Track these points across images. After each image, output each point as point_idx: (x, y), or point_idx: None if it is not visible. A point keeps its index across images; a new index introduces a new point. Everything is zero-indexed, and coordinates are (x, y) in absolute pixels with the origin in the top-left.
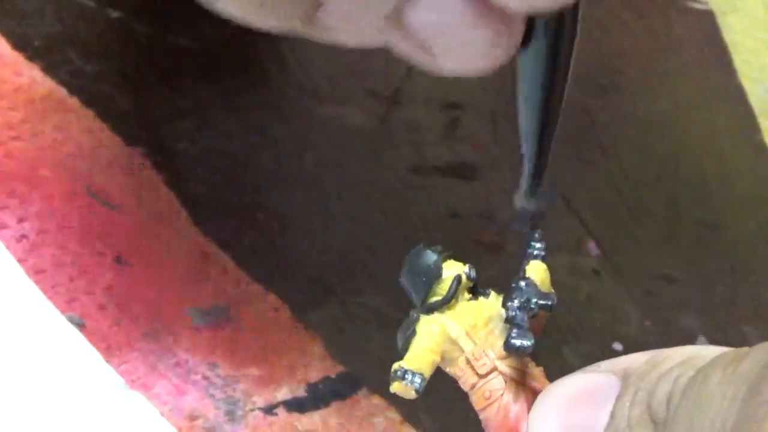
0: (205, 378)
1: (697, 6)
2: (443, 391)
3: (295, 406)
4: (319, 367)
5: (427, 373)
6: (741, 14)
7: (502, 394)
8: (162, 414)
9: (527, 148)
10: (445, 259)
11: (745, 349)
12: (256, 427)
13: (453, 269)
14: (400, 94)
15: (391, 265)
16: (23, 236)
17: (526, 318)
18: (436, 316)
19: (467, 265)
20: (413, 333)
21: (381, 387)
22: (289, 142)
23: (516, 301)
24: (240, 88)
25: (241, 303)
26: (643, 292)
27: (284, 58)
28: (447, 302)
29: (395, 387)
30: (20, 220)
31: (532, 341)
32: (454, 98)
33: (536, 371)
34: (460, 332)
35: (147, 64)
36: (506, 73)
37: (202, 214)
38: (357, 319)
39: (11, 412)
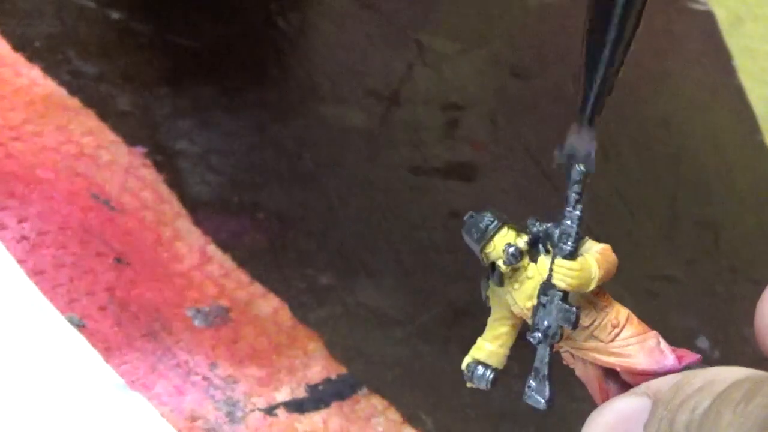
0: (205, 379)
1: (697, 6)
2: (443, 391)
3: (296, 406)
4: (319, 368)
5: (498, 358)
6: (760, 21)
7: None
8: (162, 415)
9: (587, 75)
10: (498, 229)
11: (759, 377)
12: (257, 428)
13: (498, 246)
14: (400, 94)
15: (391, 266)
16: (23, 237)
17: (546, 355)
18: (501, 290)
19: (510, 247)
20: (487, 299)
21: (381, 387)
22: (289, 142)
23: (537, 333)
24: (240, 88)
25: (241, 303)
26: (643, 292)
27: (284, 57)
28: (500, 286)
29: (468, 384)
30: (20, 221)
31: (546, 397)
32: (454, 98)
33: (594, 343)
34: (522, 311)
35: (147, 64)
36: (506, 74)
37: (202, 214)
38: (357, 319)
39: (11, 412)
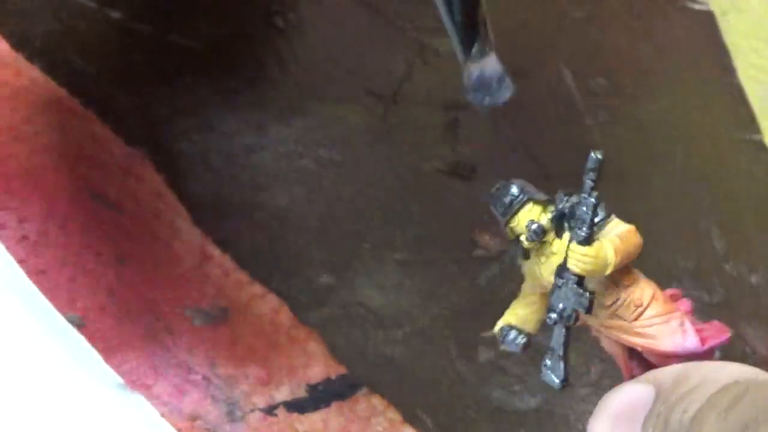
0: (205, 378)
1: (697, 6)
2: (443, 391)
3: (295, 406)
4: (319, 368)
5: (531, 324)
6: (743, 14)
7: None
8: (162, 414)
9: (455, 17)
10: (522, 204)
11: (748, 381)
12: (257, 428)
13: (522, 221)
14: (400, 94)
15: (391, 266)
16: (24, 237)
17: (562, 336)
18: (529, 261)
19: (533, 224)
20: (521, 266)
21: (381, 387)
22: (289, 142)
23: (552, 314)
24: (240, 88)
25: (241, 303)
26: None
27: (284, 58)
28: (526, 259)
29: (501, 347)
30: (21, 221)
31: (561, 377)
32: (454, 98)
33: (617, 322)
34: (549, 285)
35: (147, 64)
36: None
37: (202, 214)
38: (357, 319)
39: (11, 412)
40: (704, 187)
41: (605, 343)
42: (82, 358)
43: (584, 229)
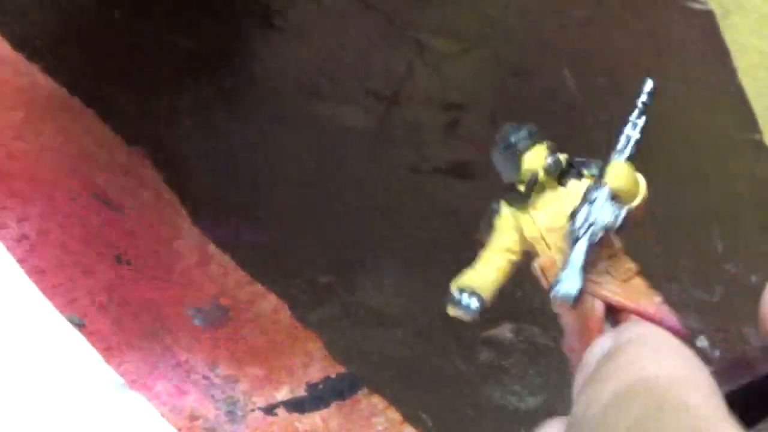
0: (205, 378)
1: (697, 6)
2: (443, 390)
3: (296, 406)
4: (319, 367)
5: (489, 291)
6: (747, 13)
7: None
8: (162, 414)
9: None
10: (530, 146)
11: (641, 404)
12: (257, 427)
13: (536, 158)
14: (400, 94)
15: (391, 266)
16: (24, 237)
17: (584, 249)
18: (514, 211)
19: (551, 156)
20: (492, 227)
21: (381, 386)
22: (289, 142)
23: (578, 224)
24: (240, 88)
25: (241, 303)
26: None
27: (284, 58)
28: (524, 200)
29: (451, 311)
30: (21, 221)
31: (578, 288)
32: (454, 98)
33: (608, 278)
34: (536, 236)
35: (147, 64)
36: (506, 74)
37: (202, 214)
38: (357, 319)
39: (11, 412)
40: (704, 187)
41: (566, 317)
42: (82, 358)
43: (628, 147)
